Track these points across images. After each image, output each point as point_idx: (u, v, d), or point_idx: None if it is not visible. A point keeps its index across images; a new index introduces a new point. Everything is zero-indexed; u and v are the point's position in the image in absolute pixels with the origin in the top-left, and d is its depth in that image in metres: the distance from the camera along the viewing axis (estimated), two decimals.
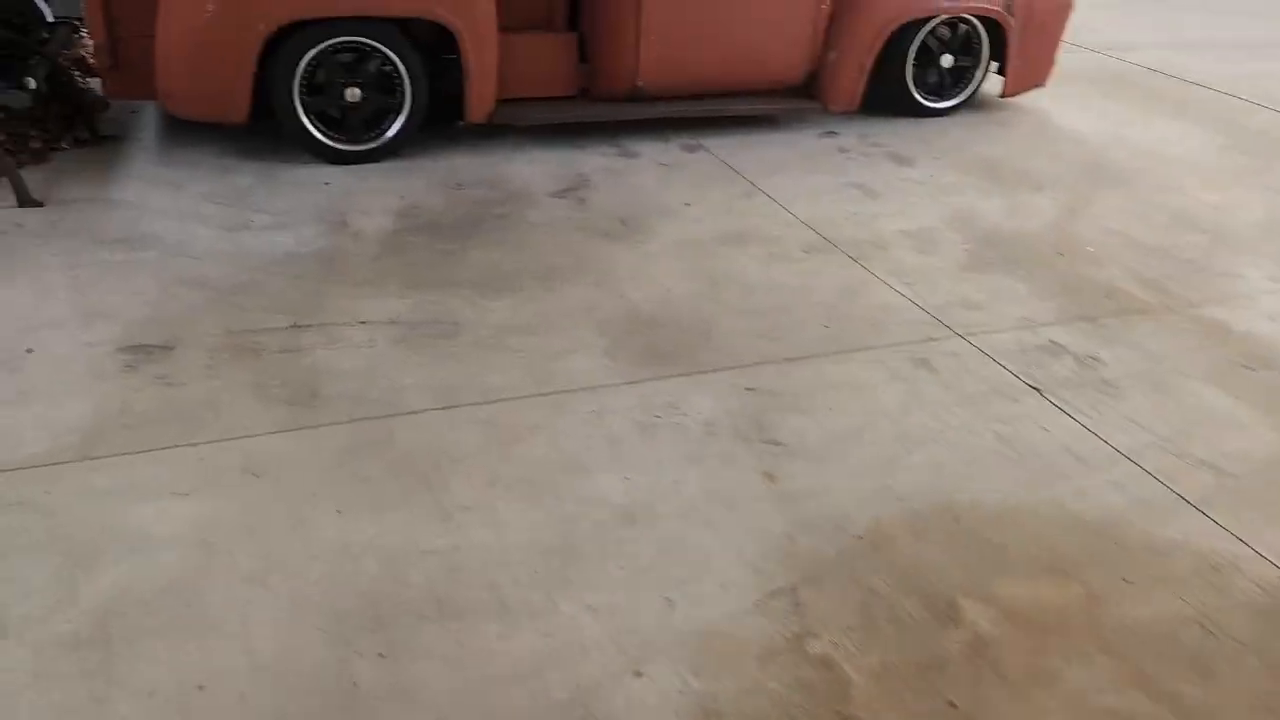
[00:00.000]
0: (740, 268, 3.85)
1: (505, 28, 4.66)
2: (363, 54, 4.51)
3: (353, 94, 4.53)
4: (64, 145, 4.72)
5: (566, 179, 4.63)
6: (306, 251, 3.80)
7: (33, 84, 3.98)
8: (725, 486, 2.64)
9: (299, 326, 3.28)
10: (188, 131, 4.80)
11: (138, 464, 2.60)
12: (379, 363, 3.11)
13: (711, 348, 3.30)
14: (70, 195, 4.21)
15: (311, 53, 4.40)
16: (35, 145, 4.60)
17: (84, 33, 5.11)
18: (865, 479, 2.70)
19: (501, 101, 4.81)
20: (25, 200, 4.06)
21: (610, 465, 2.69)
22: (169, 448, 2.66)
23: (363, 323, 3.33)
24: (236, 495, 2.52)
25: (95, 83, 5.26)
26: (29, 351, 3.07)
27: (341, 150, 4.63)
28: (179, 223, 3.99)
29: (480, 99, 4.71)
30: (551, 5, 4.91)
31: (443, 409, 2.90)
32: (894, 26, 5.28)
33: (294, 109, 4.48)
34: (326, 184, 4.45)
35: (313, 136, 4.57)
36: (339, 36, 4.41)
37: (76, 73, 5.45)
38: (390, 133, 4.67)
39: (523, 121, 4.86)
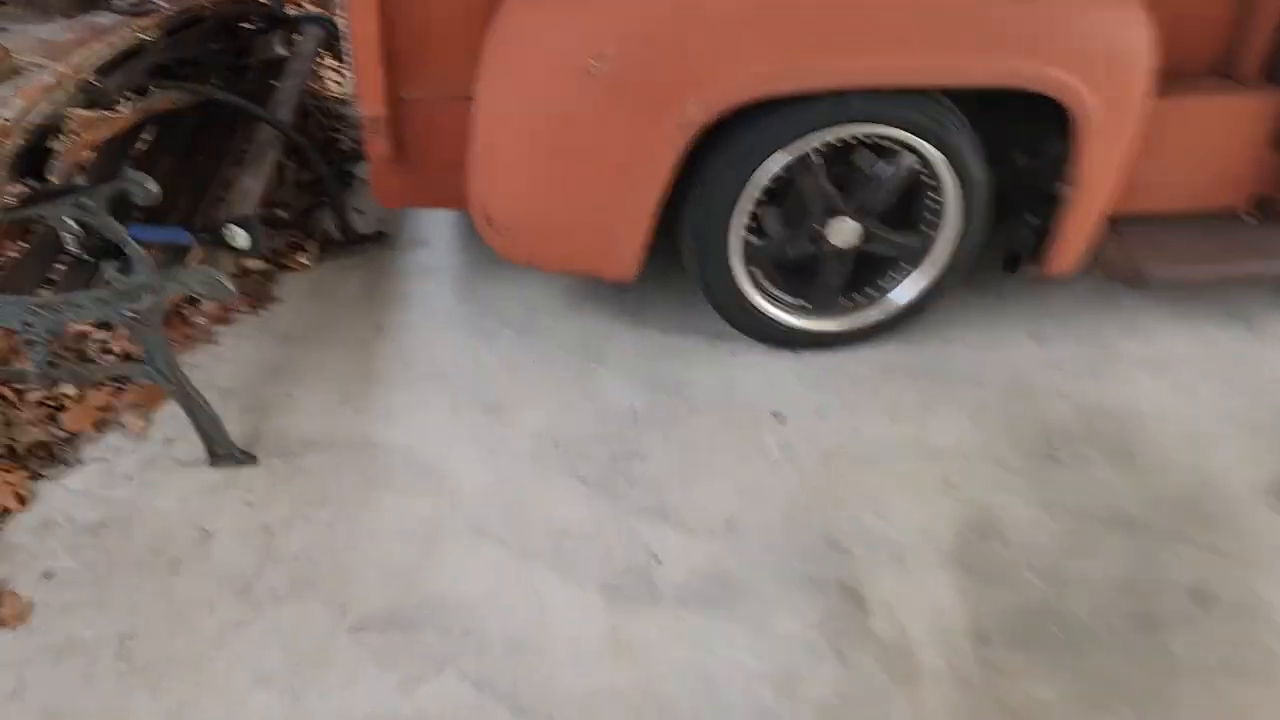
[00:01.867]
0: None
1: None
2: (850, 154, 2.18)
3: (846, 231, 2.23)
4: (303, 260, 2.68)
5: (1273, 436, 2.19)
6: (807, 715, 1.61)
7: (244, 240, 1.91)
8: None
9: None
10: None
11: None
12: None
13: None
14: (299, 427, 2.17)
15: (783, 159, 2.10)
16: (254, 269, 2.59)
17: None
18: None
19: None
20: (222, 450, 2.06)
21: None
22: None
23: None
24: None
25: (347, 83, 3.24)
26: None
27: (804, 331, 2.37)
28: (512, 557, 1.89)
29: (1081, 229, 2.29)
30: (1244, 38, 2.35)
31: None
32: None
33: (725, 259, 2.23)
34: (778, 416, 2.22)
35: (751, 305, 2.32)
36: (847, 124, 2.07)
37: (329, 79, 3.39)
38: (905, 295, 2.36)
39: (1162, 278, 2.39)
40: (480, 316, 2.51)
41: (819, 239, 2.24)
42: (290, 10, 2.97)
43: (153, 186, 1.71)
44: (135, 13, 2.24)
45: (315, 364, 2.35)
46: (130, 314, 1.85)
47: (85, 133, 1.66)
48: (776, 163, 2.10)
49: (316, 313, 2.52)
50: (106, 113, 1.72)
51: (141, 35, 2.06)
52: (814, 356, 2.39)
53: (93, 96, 1.81)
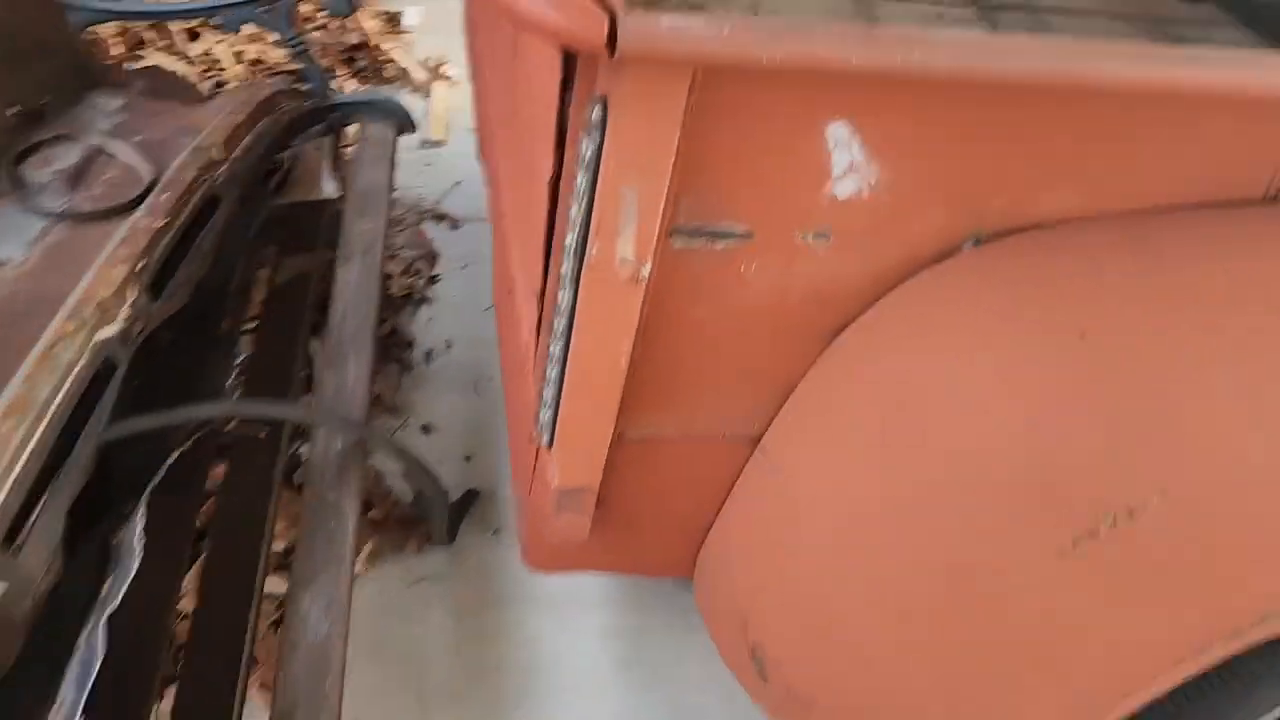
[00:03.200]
0: None
1: None
2: None
3: None
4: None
5: None
6: None
7: None
8: None
9: None
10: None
11: None
12: None
13: None
14: None
15: None
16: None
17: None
18: None
19: None
20: None
21: None
22: None
23: None
24: None
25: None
26: None
27: None
28: None
29: None
30: None
31: None
32: None
33: None
34: None
35: None
36: None
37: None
38: None
39: None
40: None
41: None
42: (339, 91, 1.76)
43: None
44: (75, 216, 1.07)
45: None
46: None
47: None
48: None
49: (379, 702, 1.44)
50: None
51: (101, 332, 0.91)
52: None
53: None
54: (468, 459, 1.79)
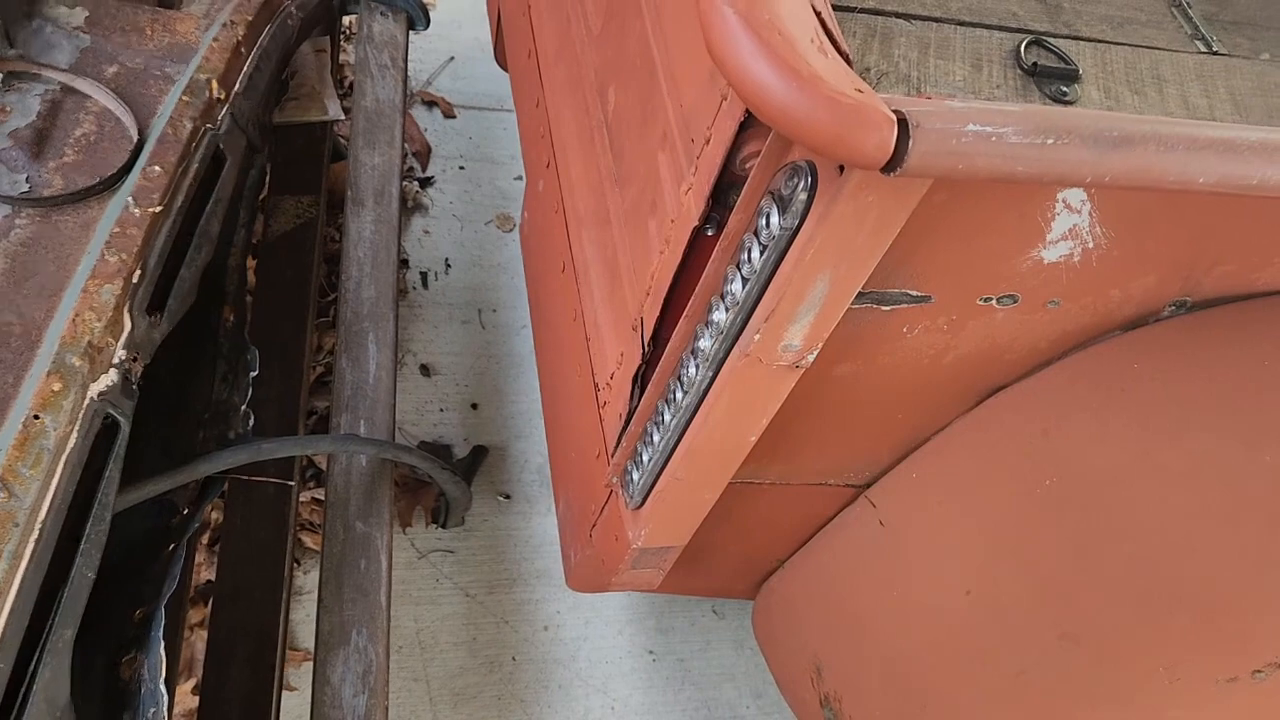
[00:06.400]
0: None
1: None
2: None
3: None
4: None
5: None
6: None
7: None
8: None
9: None
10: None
11: None
12: None
13: None
14: None
15: None
16: None
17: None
18: None
19: None
20: None
21: None
22: None
23: None
24: None
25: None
26: None
27: None
28: None
29: None
30: None
31: None
32: None
33: None
34: None
35: None
36: None
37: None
38: None
39: None
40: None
41: None
42: None
43: None
44: (42, 201, 0.84)
45: None
46: None
47: None
48: None
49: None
50: None
51: (96, 385, 0.71)
52: None
53: None
54: (474, 407, 1.61)
